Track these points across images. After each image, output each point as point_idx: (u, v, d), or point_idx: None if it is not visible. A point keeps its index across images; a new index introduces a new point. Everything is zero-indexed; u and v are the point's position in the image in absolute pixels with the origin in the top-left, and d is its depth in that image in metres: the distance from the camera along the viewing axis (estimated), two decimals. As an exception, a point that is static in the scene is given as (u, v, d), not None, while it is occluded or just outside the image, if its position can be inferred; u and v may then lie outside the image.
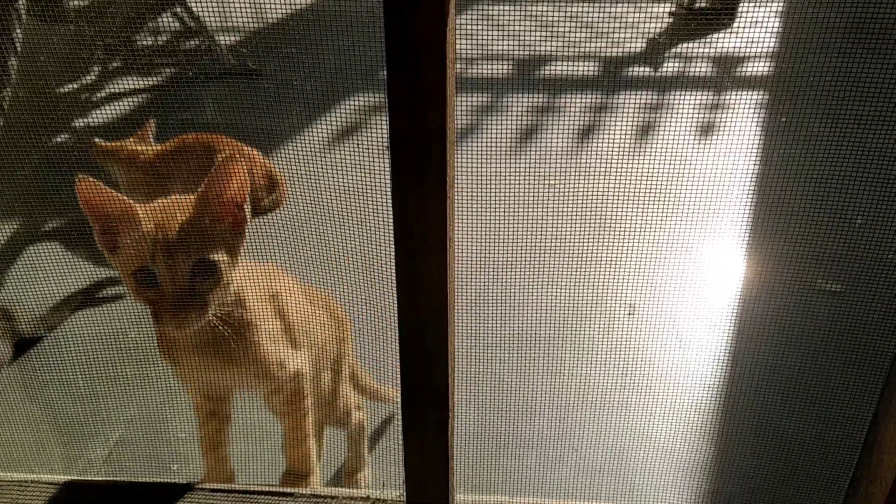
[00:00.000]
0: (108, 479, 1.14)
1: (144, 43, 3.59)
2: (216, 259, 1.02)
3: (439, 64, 0.69)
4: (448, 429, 0.93)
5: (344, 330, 1.43)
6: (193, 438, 1.45)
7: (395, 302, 0.83)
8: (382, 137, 1.12)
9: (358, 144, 1.09)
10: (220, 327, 1.07)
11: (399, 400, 1.56)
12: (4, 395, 1.41)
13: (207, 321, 1.04)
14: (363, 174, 1.10)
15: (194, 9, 3.42)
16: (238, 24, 3.38)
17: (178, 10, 3.48)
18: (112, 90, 3.10)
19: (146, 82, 3.31)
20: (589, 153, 2.76)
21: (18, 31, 2.20)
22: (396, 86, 0.71)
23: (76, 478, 1.12)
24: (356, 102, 2.52)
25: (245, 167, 1.03)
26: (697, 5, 3.78)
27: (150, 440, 1.58)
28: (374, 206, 1.06)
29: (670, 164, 1.35)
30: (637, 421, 1.68)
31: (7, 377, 1.57)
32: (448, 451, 0.94)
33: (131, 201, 1.00)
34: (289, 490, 1.11)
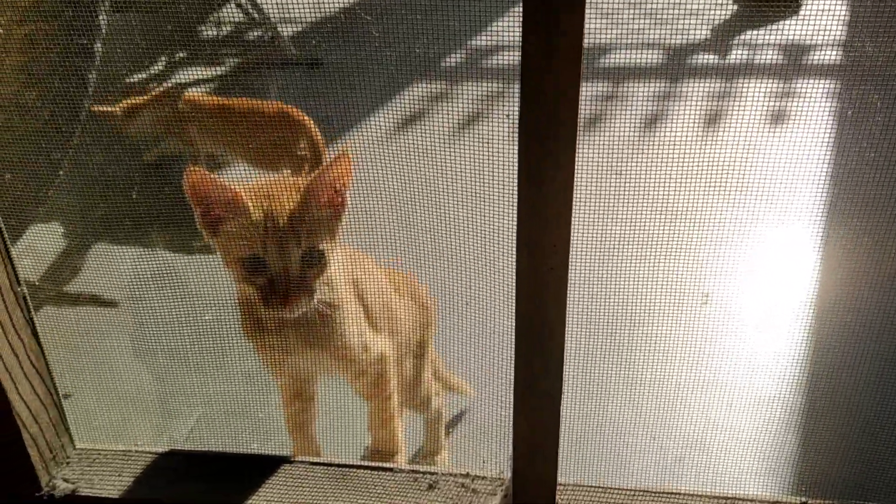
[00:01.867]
0: (210, 449, 1.15)
1: (209, 34, 3.63)
2: (324, 246, 1.04)
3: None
4: (559, 402, 0.92)
5: (429, 315, 1.43)
6: (272, 418, 1.46)
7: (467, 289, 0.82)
8: (447, 124, 1.11)
9: (423, 131, 1.10)
10: (316, 311, 1.08)
11: (471, 392, 1.56)
12: (98, 370, 1.45)
13: (313, 306, 1.06)
14: (430, 160, 1.11)
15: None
16: (299, 14, 3.41)
17: (242, 0, 3.53)
18: (178, 80, 3.15)
19: (210, 72, 3.35)
20: (655, 141, 2.71)
21: (103, 16, 2.24)
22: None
23: (177, 448, 1.15)
24: (418, 91, 2.52)
25: (351, 167, 1.04)
26: (761, -7, 3.69)
27: (229, 419, 1.60)
28: (441, 192, 1.07)
29: (741, 151, 1.33)
30: (716, 409, 1.65)
31: (96, 351, 1.61)
32: (558, 426, 0.94)
33: (238, 188, 1.02)
34: (388, 465, 1.11)
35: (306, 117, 2.36)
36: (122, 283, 1.65)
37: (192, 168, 0.99)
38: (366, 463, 1.12)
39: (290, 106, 2.31)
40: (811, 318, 1.92)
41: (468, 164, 1.05)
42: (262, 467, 1.12)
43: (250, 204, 1.01)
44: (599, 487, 1.07)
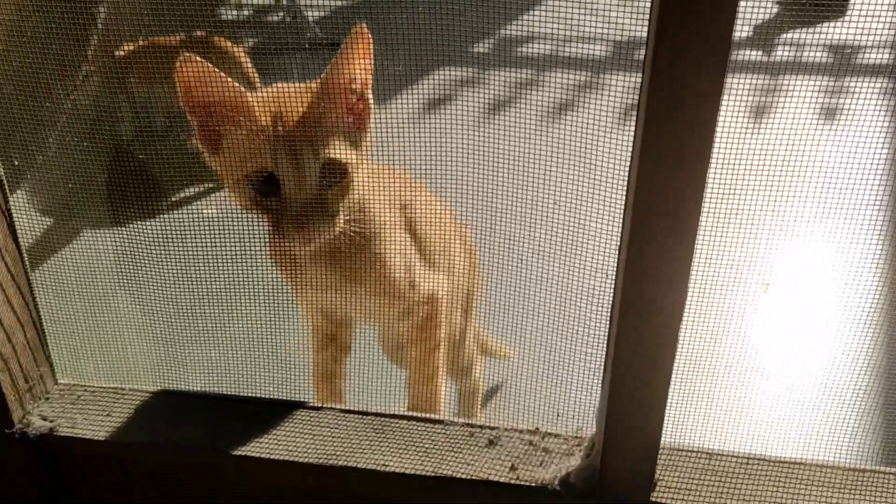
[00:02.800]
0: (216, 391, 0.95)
1: (230, 15, 3.54)
2: (346, 160, 0.84)
3: None
4: (673, 355, 0.71)
5: (475, 265, 1.22)
6: (293, 364, 1.26)
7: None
8: (475, 107, 0.99)
9: (450, 114, 0.95)
10: (345, 238, 0.88)
11: (513, 356, 1.35)
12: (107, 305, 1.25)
13: (338, 234, 0.86)
14: (456, 141, 0.95)
15: None
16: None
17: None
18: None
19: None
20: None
21: None
22: None
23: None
24: (443, 75, 2.39)
25: (370, 49, 0.84)
26: (806, -5, 3.56)
27: (241, 362, 1.40)
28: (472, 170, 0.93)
29: (793, 144, 1.21)
30: (780, 401, 1.48)
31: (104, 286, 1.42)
32: (669, 378, 0.73)
33: (243, 89, 0.82)
34: (438, 417, 0.90)
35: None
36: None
37: (186, 56, 0.79)
38: (410, 413, 0.91)
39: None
40: (877, 308, 1.76)
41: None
42: (280, 413, 0.91)
43: (257, 108, 0.82)
44: (704, 452, 0.86)
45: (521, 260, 1.05)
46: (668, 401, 0.77)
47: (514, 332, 1.04)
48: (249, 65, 2.27)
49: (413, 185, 1.05)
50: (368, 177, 0.91)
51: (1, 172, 0.82)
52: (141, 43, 2.23)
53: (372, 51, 0.83)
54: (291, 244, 0.86)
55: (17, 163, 0.89)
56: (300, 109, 0.82)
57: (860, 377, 1.40)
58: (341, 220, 0.86)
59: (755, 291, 1.88)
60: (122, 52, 2.29)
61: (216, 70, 0.80)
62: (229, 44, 2.26)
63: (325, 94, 0.83)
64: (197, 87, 0.81)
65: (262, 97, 0.84)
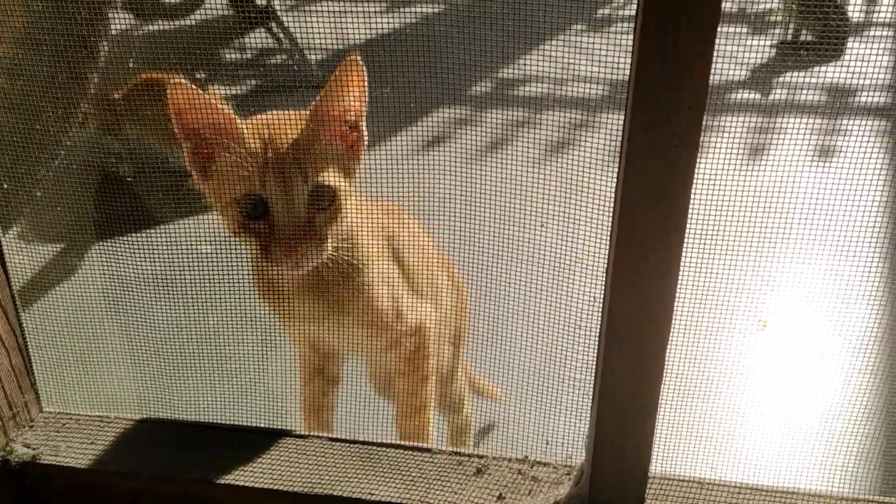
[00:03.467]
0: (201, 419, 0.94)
1: (232, 56, 3.60)
2: (335, 185, 0.84)
3: None
4: (659, 382, 0.71)
5: (463, 301, 1.22)
6: (281, 394, 1.25)
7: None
8: (472, 146, 1.02)
9: (448, 152, 0.98)
10: (330, 266, 0.89)
11: (502, 397, 1.34)
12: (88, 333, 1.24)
13: (325, 260, 0.86)
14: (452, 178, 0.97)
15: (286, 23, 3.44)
16: (326, 42, 3.34)
17: (273, 25, 3.50)
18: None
19: (230, 91, 3.29)
20: (698, 169, 2.56)
21: (112, 16, 2.14)
22: None
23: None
24: (440, 115, 2.42)
25: (364, 78, 0.84)
26: (802, 39, 3.62)
27: (227, 392, 1.38)
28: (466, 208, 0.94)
29: (787, 182, 1.22)
30: (777, 439, 1.47)
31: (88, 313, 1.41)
32: (656, 405, 0.72)
33: (233, 113, 0.83)
34: (426, 446, 0.89)
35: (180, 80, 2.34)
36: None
37: (175, 81, 0.80)
38: (398, 442, 0.90)
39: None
40: (873, 344, 1.75)
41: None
42: (266, 441, 0.90)
43: (245, 130, 0.82)
44: (696, 481, 0.84)
45: (511, 288, 1.05)
46: (658, 429, 0.76)
47: (503, 359, 1.03)
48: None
49: (402, 217, 1.05)
50: (357, 207, 0.91)
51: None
52: (134, 81, 2.26)
53: (365, 81, 0.84)
54: (280, 267, 0.85)
55: (6, 186, 0.90)
56: (291, 134, 0.83)
57: (855, 408, 1.39)
58: (330, 246, 0.86)
59: (752, 329, 1.87)
60: (117, 94, 2.33)
61: (206, 94, 0.80)
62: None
63: (316, 120, 0.84)
64: (187, 112, 0.81)
65: (254, 122, 0.85)
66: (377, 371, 1.15)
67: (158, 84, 2.24)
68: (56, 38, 1.45)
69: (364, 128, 0.88)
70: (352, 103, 0.85)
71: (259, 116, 0.87)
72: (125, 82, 2.35)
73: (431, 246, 1.11)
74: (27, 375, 0.91)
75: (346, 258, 0.90)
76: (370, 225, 0.94)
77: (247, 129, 0.83)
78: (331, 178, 0.83)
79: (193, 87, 0.80)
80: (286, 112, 0.87)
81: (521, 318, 1.02)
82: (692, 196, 0.67)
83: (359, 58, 0.82)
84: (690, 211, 0.88)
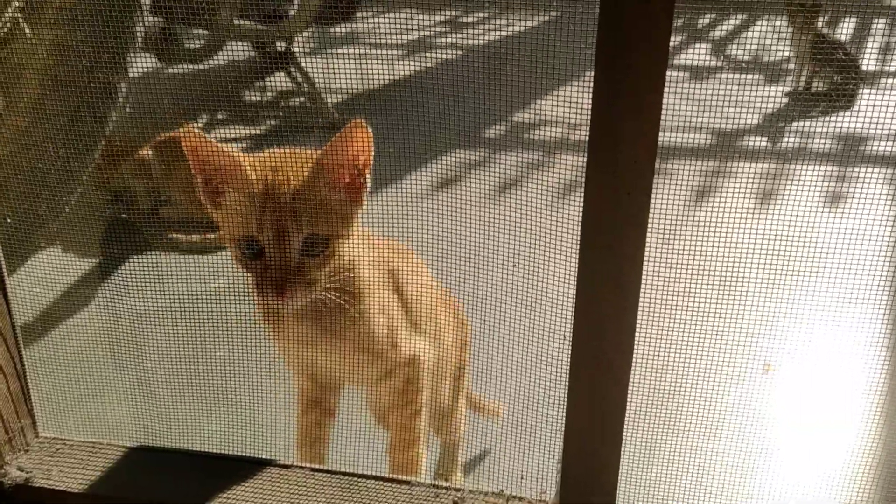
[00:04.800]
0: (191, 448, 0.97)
1: (253, 98, 3.69)
2: (329, 234, 0.89)
3: None
4: (623, 408, 0.73)
5: (466, 335, 1.24)
6: (274, 424, 1.27)
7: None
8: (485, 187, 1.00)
9: (460, 193, 1.02)
10: (327, 296, 0.93)
11: (503, 414, 1.36)
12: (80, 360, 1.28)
13: (314, 298, 0.91)
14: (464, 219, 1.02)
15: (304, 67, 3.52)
16: (343, 85, 3.44)
17: (292, 69, 3.59)
18: (216, 137, 3.14)
19: (248, 131, 3.37)
20: (706, 212, 2.57)
21: (133, 56, 2.21)
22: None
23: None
24: (453, 158, 2.47)
25: (370, 139, 0.89)
26: (814, 88, 3.65)
27: (222, 421, 1.40)
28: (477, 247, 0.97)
29: (796, 227, 1.24)
30: (782, 485, 1.45)
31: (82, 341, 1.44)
32: (621, 438, 0.74)
33: (239, 156, 0.89)
34: (405, 478, 0.91)
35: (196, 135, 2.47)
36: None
37: (187, 128, 0.87)
38: (379, 474, 0.92)
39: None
40: (879, 389, 1.74)
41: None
42: (252, 470, 0.92)
43: (252, 175, 0.88)
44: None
45: (503, 325, 1.08)
46: (627, 463, 0.78)
47: (481, 393, 1.05)
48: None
49: (404, 253, 1.08)
50: (359, 239, 0.95)
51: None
52: (155, 140, 2.37)
53: (371, 142, 0.89)
54: (271, 303, 0.90)
55: (9, 220, 0.94)
56: (290, 181, 0.87)
57: (862, 453, 1.38)
58: (320, 287, 0.90)
59: (756, 372, 1.86)
60: (144, 152, 2.42)
61: (210, 140, 0.87)
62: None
63: (317, 173, 0.88)
64: (197, 154, 0.88)
65: (260, 160, 0.90)
66: (375, 400, 1.17)
67: (177, 143, 2.34)
68: (78, 79, 1.51)
69: (368, 177, 0.92)
70: (355, 160, 0.90)
71: (266, 154, 0.92)
72: (149, 140, 2.44)
73: (433, 283, 1.14)
74: (24, 401, 0.95)
75: (338, 294, 0.93)
76: (370, 257, 0.98)
77: (251, 169, 0.88)
78: (324, 227, 0.88)
79: (202, 133, 0.86)
80: (291, 151, 0.92)
81: (498, 356, 1.04)
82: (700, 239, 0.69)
83: (364, 122, 0.87)
84: (701, 253, 0.91)
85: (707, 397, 1.48)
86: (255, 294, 0.94)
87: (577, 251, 0.71)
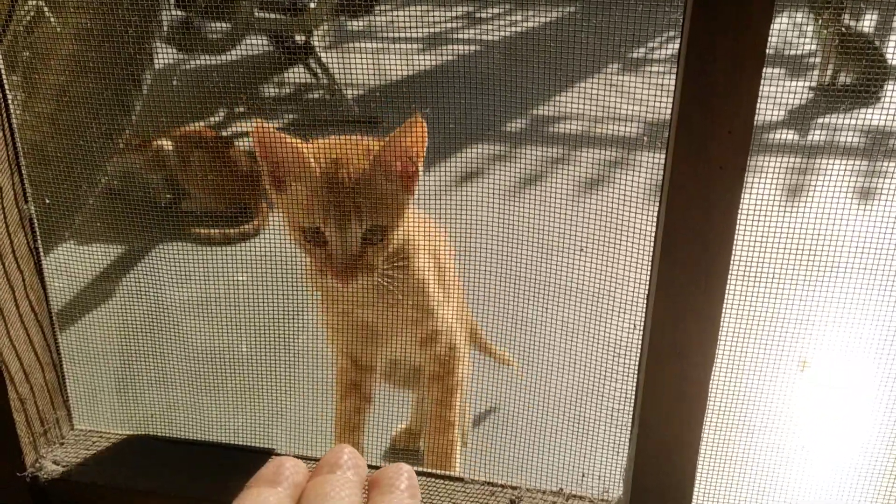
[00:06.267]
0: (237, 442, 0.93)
1: (272, 92, 3.68)
2: (387, 223, 0.95)
3: None
4: (702, 415, 0.69)
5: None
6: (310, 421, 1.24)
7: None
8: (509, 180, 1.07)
9: (484, 186, 1.02)
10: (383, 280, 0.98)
11: (515, 364, 1.35)
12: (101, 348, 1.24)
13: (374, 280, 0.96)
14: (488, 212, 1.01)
15: (324, 60, 3.51)
16: (362, 79, 3.41)
17: (311, 62, 3.57)
18: (237, 129, 3.13)
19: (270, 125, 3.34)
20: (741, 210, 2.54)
21: (157, 48, 2.19)
22: None
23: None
24: (476, 151, 2.44)
25: (425, 133, 0.93)
26: (840, 82, 3.60)
27: (261, 416, 1.38)
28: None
29: (826, 223, 1.21)
30: (823, 483, 1.41)
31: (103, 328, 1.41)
32: (700, 433, 0.70)
33: (305, 148, 0.93)
34: (456, 475, 0.87)
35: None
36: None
37: (258, 123, 0.92)
38: (426, 469, 0.88)
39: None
40: None
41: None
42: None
43: (317, 168, 0.92)
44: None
45: (547, 319, 1.04)
46: (700, 465, 0.73)
47: (539, 386, 1.01)
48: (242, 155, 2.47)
49: (433, 226, 1.09)
50: (412, 223, 1.00)
51: (32, 212, 0.84)
52: (175, 133, 2.37)
53: (426, 136, 0.93)
54: (333, 284, 0.96)
55: (48, 201, 0.91)
56: (352, 174, 0.92)
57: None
58: (379, 270, 0.95)
59: (792, 370, 1.82)
60: (162, 142, 2.43)
61: (279, 133, 0.92)
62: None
63: (377, 167, 0.93)
64: (264, 144, 0.92)
65: (321, 151, 0.93)
66: (402, 365, 1.17)
67: (194, 137, 2.35)
68: (103, 67, 1.49)
69: (420, 168, 0.96)
70: (414, 150, 0.94)
71: (328, 142, 0.95)
72: (166, 131, 2.44)
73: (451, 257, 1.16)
74: (60, 392, 0.91)
75: (394, 274, 0.98)
76: (420, 237, 1.03)
77: (315, 161, 0.91)
78: (383, 218, 0.93)
79: (271, 127, 0.91)
80: (351, 140, 0.96)
81: (559, 348, 1.01)
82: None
83: (420, 117, 0.91)
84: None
85: (747, 393, 1.45)
86: (311, 270, 0.99)
87: (654, 234, 0.66)
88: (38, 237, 0.84)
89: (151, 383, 1.28)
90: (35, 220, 0.83)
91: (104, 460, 0.89)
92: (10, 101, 0.77)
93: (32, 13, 1.98)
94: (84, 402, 0.97)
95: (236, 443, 0.95)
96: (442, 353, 1.07)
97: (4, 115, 0.77)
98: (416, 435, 1.47)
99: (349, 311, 1.00)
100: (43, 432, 0.89)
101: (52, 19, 1.93)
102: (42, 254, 0.85)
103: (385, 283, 0.97)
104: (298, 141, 0.92)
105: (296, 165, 0.92)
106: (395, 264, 0.97)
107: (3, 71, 0.76)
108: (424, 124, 0.91)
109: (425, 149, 0.94)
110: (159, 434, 0.94)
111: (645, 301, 0.69)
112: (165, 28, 2.15)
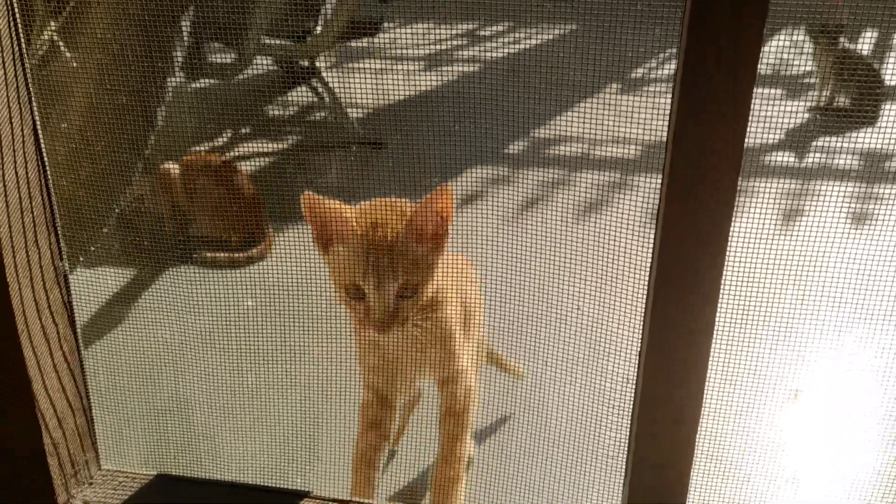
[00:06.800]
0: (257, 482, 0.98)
1: (276, 112, 3.72)
2: (418, 280, 1.04)
3: None
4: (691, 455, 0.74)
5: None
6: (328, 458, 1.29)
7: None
8: (507, 205, 1.06)
9: (483, 210, 1.08)
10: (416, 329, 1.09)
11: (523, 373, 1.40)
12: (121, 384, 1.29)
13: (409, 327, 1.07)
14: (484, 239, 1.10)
15: (328, 80, 3.54)
16: (366, 100, 3.47)
17: (315, 82, 3.61)
18: (241, 152, 3.17)
19: (273, 146, 3.40)
20: (735, 234, 2.57)
21: (170, 81, 2.25)
22: None
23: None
24: (477, 174, 2.47)
25: (452, 201, 1.03)
26: (836, 104, 3.64)
27: (281, 453, 1.43)
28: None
29: (823, 250, 1.25)
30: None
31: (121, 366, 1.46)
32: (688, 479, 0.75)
33: (348, 213, 1.03)
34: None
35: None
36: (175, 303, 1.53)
37: (307, 193, 1.02)
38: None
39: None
40: None
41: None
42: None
43: (358, 231, 1.02)
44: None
45: (542, 351, 1.10)
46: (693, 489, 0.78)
47: (534, 420, 1.07)
48: (246, 180, 2.53)
49: (469, 271, 1.22)
50: (443, 272, 1.09)
51: (66, 269, 0.89)
52: (182, 161, 2.44)
53: (452, 201, 1.02)
54: (369, 334, 1.05)
55: (93, 249, 0.96)
56: (388, 237, 1.02)
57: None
58: (411, 322, 1.05)
59: (784, 399, 1.86)
60: (167, 172, 2.49)
61: (325, 200, 1.02)
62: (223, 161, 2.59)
63: (411, 231, 1.03)
64: (313, 211, 1.03)
65: (363, 215, 1.04)
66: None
67: (197, 164, 2.41)
68: (120, 106, 1.54)
69: (448, 231, 1.05)
70: (440, 216, 1.04)
71: (368, 205, 1.06)
72: (172, 156, 2.51)
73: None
74: (89, 435, 0.96)
75: (426, 319, 1.08)
76: (451, 281, 1.13)
77: (357, 225, 1.02)
78: (415, 275, 1.03)
79: (318, 196, 1.02)
80: (389, 203, 1.06)
81: (552, 375, 1.06)
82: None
83: (448, 186, 1.01)
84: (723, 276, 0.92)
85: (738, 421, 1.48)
86: (354, 323, 1.08)
87: (649, 265, 0.72)
88: (72, 292, 0.90)
89: (173, 418, 1.33)
90: (69, 277, 0.89)
91: (130, 500, 0.94)
92: (48, 166, 0.82)
93: (46, 46, 2.02)
94: (110, 441, 1.02)
95: (259, 483, 1.00)
96: (460, 392, 1.15)
97: (42, 179, 0.83)
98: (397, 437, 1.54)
99: (380, 345, 1.11)
100: (73, 473, 0.94)
101: (66, 54, 1.97)
102: (74, 308, 0.91)
103: (416, 331, 1.07)
104: (342, 205, 1.03)
105: (340, 229, 1.03)
106: (426, 315, 1.07)
107: (42, 140, 0.82)
108: (451, 192, 1.02)
109: (453, 212, 1.03)
110: (182, 474, 0.99)
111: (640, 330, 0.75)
112: (178, 61, 2.21)
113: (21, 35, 0.74)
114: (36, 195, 0.81)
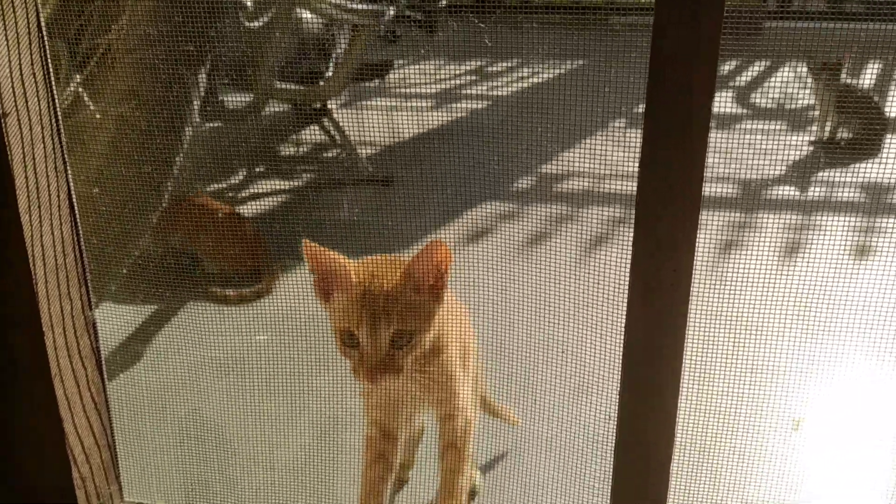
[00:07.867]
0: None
1: (288, 151, 3.81)
2: (413, 329, 1.06)
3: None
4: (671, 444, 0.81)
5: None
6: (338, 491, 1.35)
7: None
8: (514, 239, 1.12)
9: (490, 244, 1.14)
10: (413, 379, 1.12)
11: (518, 421, 1.45)
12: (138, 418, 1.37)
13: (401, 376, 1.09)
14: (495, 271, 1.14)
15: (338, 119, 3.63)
16: (375, 138, 3.56)
17: (326, 122, 3.70)
18: (254, 190, 3.26)
19: (285, 184, 3.48)
20: (732, 267, 2.62)
21: (188, 129, 2.34)
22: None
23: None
24: (484, 210, 2.54)
25: (449, 254, 1.07)
26: (839, 136, 3.68)
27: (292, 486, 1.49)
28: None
29: (824, 282, 1.29)
30: None
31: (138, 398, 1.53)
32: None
33: (347, 263, 1.07)
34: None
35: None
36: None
37: (307, 242, 1.06)
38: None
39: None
40: None
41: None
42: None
43: (355, 279, 1.05)
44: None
45: (536, 391, 1.16)
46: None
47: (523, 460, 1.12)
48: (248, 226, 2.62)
49: (465, 318, 1.25)
50: (443, 315, 1.12)
51: (95, 318, 0.97)
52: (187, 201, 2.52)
53: (449, 254, 1.06)
54: (362, 382, 1.07)
55: (124, 271, 1.04)
56: (383, 285, 1.05)
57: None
58: (406, 373, 1.07)
59: (785, 429, 1.89)
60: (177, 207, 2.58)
61: (325, 250, 1.06)
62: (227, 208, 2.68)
63: (406, 280, 1.06)
64: (314, 259, 1.07)
65: (362, 267, 1.07)
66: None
67: (198, 206, 2.49)
68: (141, 155, 1.63)
69: (447, 281, 1.09)
70: (437, 268, 1.07)
71: (369, 260, 1.10)
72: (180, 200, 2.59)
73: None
74: (113, 469, 1.04)
75: (423, 370, 1.11)
76: (452, 320, 1.16)
77: (355, 274, 1.05)
78: (410, 323, 1.05)
79: (318, 246, 1.06)
80: (387, 259, 1.10)
81: (544, 413, 1.11)
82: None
83: (443, 240, 1.05)
84: (726, 308, 0.99)
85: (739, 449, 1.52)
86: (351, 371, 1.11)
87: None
88: (100, 338, 0.98)
89: (189, 452, 1.40)
90: (97, 326, 0.97)
91: (152, 531, 1.01)
92: (80, 226, 0.91)
93: (71, 98, 2.13)
94: (132, 473, 1.10)
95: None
96: (459, 425, 1.19)
97: (75, 237, 0.92)
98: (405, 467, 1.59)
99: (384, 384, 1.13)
100: (99, 506, 1.02)
101: (90, 106, 2.08)
102: (101, 347, 0.99)
103: (416, 381, 1.10)
104: (342, 257, 1.06)
105: (338, 277, 1.06)
106: (425, 367, 1.10)
107: (73, 192, 0.90)
108: (447, 246, 1.05)
109: (450, 265, 1.07)
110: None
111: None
112: (196, 107, 2.30)
113: (59, 111, 0.83)
114: (69, 252, 0.89)
